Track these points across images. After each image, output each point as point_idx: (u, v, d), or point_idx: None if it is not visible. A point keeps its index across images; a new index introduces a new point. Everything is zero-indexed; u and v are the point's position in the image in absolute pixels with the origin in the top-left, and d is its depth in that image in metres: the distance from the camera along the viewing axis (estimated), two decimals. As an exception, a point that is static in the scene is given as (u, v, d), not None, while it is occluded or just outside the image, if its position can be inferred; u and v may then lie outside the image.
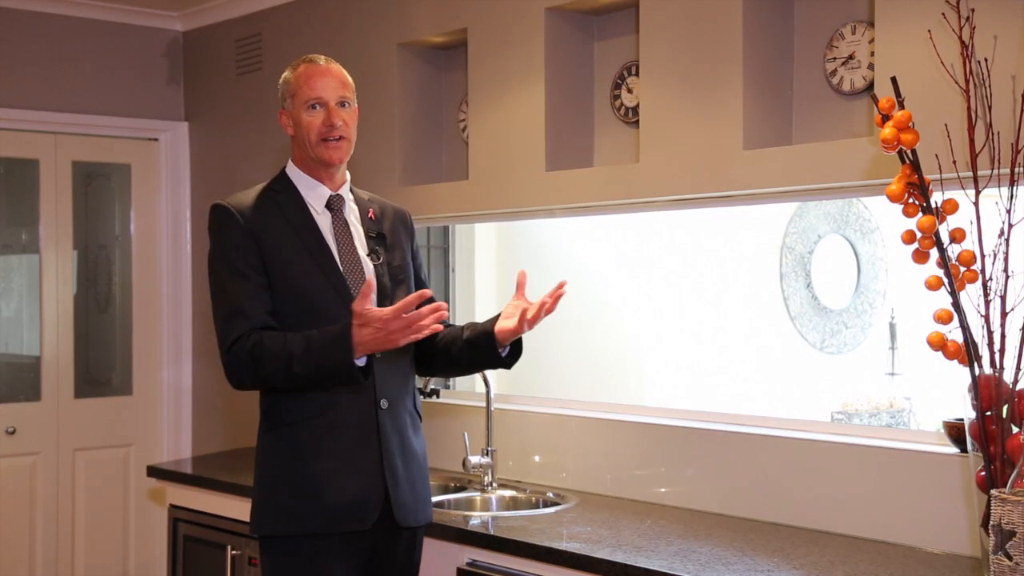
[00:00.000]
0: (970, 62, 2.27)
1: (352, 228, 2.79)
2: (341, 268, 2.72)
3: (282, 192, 2.77)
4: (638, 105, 3.54)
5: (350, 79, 2.80)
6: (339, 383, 2.58)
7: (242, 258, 2.66)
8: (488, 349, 2.74)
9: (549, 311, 2.66)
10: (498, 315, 2.76)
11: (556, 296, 2.67)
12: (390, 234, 2.86)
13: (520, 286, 2.75)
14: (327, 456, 2.66)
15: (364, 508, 2.67)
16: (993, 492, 2.08)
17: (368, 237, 2.80)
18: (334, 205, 2.78)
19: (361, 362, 2.52)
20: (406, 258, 2.88)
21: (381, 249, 2.81)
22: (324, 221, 2.76)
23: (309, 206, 2.76)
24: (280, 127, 2.83)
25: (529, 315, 2.64)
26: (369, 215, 2.84)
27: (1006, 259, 2.23)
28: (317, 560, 2.66)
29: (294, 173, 2.80)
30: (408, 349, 2.78)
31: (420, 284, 2.92)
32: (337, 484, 2.65)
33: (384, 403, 2.71)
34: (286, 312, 2.67)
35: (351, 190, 2.86)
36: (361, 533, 2.69)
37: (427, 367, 2.93)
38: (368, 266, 2.75)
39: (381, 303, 2.70)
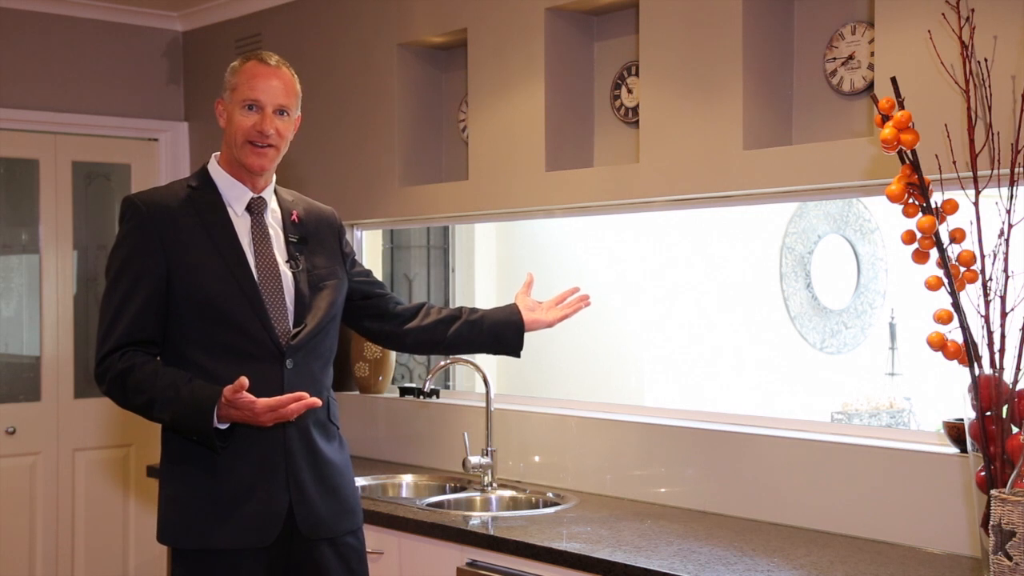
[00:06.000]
0: (970, 62, 2.27)
1: (272, 233, 2.66)
2: (256, 275, 2.58)
3: (201, 190, 2.63)
4: (638, 105, 3.54)
5: (298, 87, 2.67)
6: (196, 440, 2.51)
7: (140, 262, 2.54)
8: (514, 341, 2.93)
9: (578, 309, 3.01)
10: (510, 306, 2.96)
11: (584, 299, 3.02)
12: (314, 236, 2.74)
13: (528, 285, 3.01)
14: (231, 469, 2.54)
15: (266, 524, 2.55)
16: (993, 492, 2.08)
17: (288, 242, 2.67)
18: (255, 208, 2.65)
19: (224, 425, 2.46)
20: (333, 260, 2.76)
21: (301, 255, 2.67)
22: (243, 224, 2.63)
23: (229, 207, 2.63)
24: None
25: (560, 314, 2.97)
26: (292, 218, 2.71)
27: (1006, 259, 2.23)
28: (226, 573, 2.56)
29: (216, 171, 2.66)
30: (325, 356, 2.69)
31: (359, 282, 2.85)
32: (241, 499, 2.53)
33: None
34: (191, 318, 2.54)
35: (276, 192, 2.74)
36: (268, 547, 2.57)
37: (422, 349, 3.02)
38: (287, 275, 2.62)
39: (299, 311, 2.61)
